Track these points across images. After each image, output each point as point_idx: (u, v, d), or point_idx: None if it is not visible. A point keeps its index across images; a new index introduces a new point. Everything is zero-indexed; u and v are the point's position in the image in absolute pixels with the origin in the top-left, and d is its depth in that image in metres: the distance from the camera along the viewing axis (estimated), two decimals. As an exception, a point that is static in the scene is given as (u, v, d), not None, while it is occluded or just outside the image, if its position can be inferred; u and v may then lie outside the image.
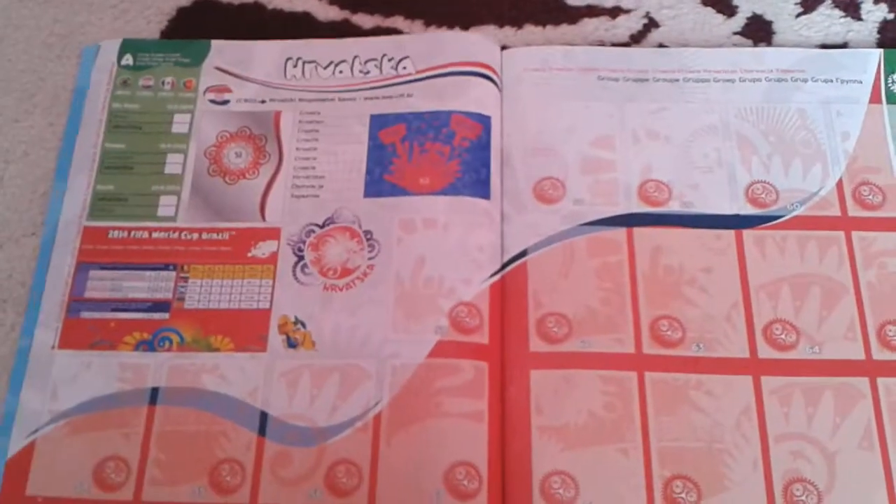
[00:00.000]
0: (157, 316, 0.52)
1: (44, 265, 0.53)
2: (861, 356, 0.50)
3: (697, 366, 0.50)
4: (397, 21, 0.62)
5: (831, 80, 0.58)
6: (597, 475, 0.47)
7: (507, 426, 0.49)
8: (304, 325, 0.51)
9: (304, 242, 0.54)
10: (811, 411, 0.48)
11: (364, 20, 0.62)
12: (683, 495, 0.47)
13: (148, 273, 0.53)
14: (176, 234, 0.54)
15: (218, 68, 0.60)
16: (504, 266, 0.53)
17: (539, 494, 0.47)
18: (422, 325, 0.50)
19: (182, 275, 0.53)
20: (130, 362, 0.50)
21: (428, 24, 0.62)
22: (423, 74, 0.58)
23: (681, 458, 0.47)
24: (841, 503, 0.46)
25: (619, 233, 0.53)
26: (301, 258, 0.53)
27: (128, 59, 0.60)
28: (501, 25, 0.61)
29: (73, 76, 0.60)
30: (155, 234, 0.54)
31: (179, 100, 0.59)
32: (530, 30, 0.61)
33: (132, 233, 0.54)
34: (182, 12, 0.63)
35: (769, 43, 0.61)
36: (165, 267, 0.53)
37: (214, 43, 0.61)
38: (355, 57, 0.59)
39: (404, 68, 0.59)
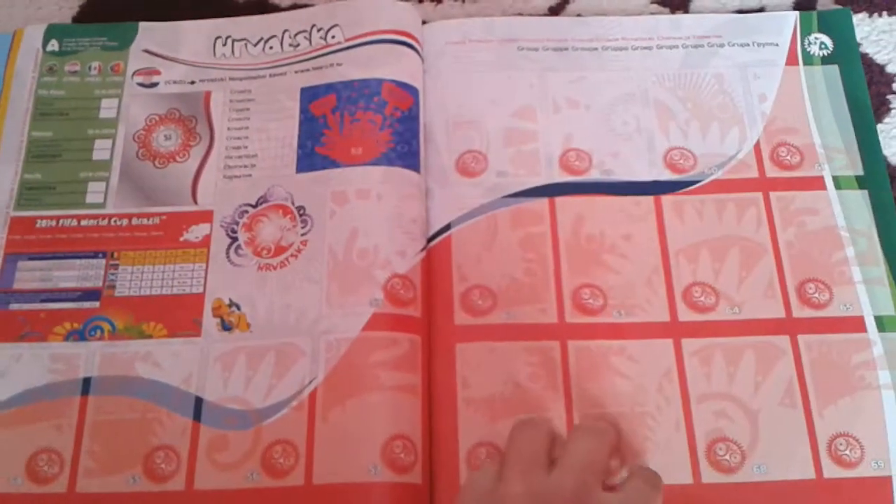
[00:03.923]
0: (87, 305, 0.51)
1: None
2: (781, 314, 0.50)
3: (619, 332, 0.50)
4: (315, -1, 0.61)
5: (748, 44, 0.58)
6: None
7: (435, 399, 0.49)
8: (238, 307, 0.51)
9: (237, 223, 0.53)
10: (732, 370, 0.49)
11: (282, -1, 0.62)
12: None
13: (77, 262, 0.53)
14: (105, 221, 0.54)
15: (146, 51, 0.59)
16: (429, 241, 0.53)
17: (466, 466, 0.47)
18: (357, 297, 0.50)
19: (112, 262, 0.53)
20: (61, 353, 0.50)
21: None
22: (353, 42, 0.57)
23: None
24: (764, 461, 0.47)
25: (542, 203, 0.54)
26: (235, 239, 0.53)
27: (53, 45, 0.59)
28: (421, 0, 0.61)
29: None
30: (84, 222, 0.54)
31: (107, 84, 0.58)
32: (449, 4, 0.61)
33: (60, 221, 0.54)
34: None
35: (686, 10, 0.61)
36: (95, 255, 0.53)
37: (142, 25, 0.60)
38: (285, 31, 0.59)
39: (333, 37, 0.58)
